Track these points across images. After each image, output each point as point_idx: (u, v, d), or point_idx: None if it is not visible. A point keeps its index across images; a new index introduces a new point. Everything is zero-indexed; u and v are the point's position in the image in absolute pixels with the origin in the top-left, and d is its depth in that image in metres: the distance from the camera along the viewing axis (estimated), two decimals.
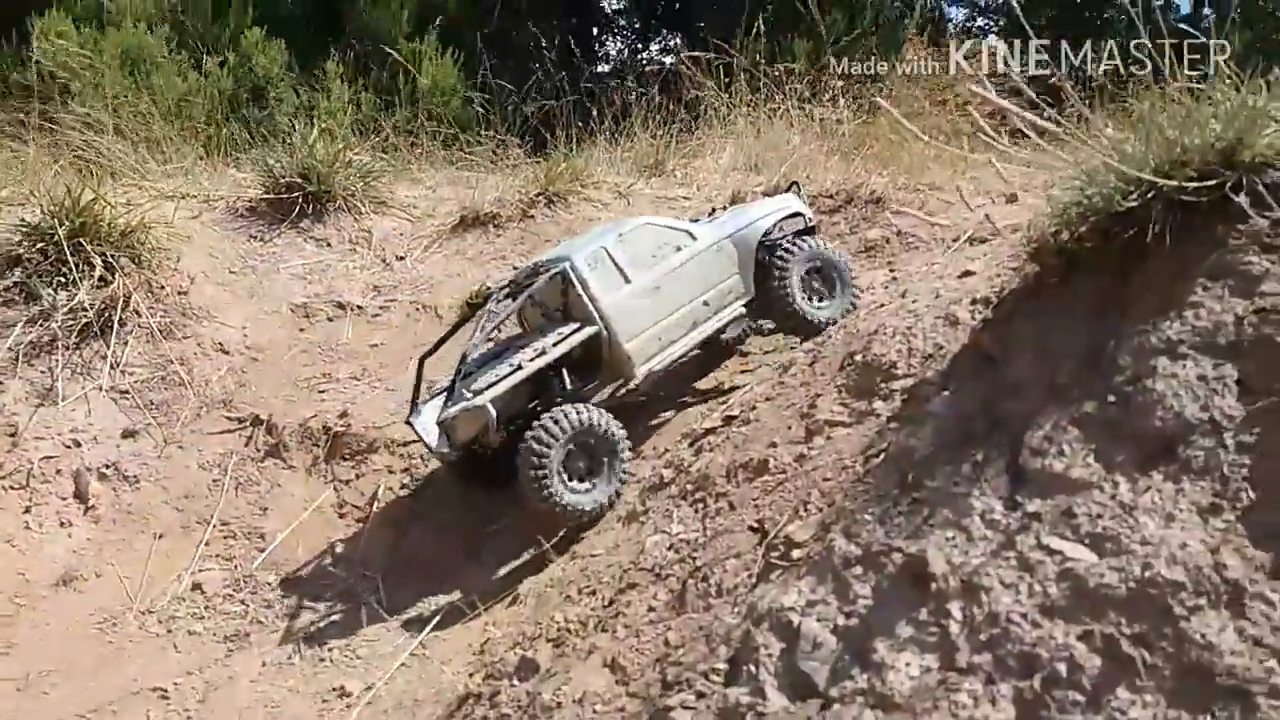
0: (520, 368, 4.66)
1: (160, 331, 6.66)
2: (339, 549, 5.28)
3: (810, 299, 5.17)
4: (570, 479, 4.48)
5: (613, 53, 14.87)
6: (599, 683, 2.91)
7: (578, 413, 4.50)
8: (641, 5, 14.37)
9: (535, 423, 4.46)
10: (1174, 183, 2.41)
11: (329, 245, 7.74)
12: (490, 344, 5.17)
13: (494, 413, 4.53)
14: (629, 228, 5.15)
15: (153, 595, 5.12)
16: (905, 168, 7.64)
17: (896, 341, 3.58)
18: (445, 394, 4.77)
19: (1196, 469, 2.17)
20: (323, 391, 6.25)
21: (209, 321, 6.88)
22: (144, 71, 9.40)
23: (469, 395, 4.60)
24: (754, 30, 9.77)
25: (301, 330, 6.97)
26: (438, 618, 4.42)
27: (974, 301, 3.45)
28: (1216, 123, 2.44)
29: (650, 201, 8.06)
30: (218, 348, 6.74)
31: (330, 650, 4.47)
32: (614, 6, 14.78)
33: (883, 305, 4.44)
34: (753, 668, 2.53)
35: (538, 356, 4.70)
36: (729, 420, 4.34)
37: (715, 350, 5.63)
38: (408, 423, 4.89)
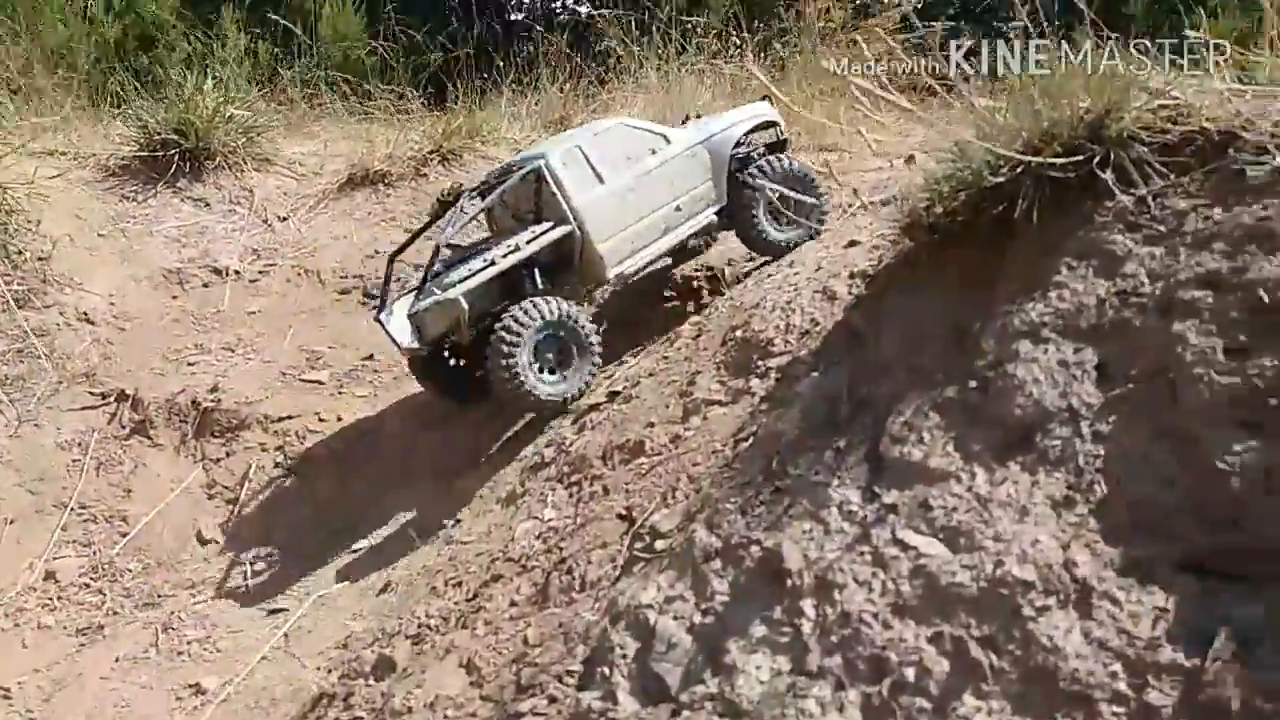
0: (493, 263, 4.59)
1: (16, 301, 6.16)
2: (206, 533, 4.98)
3: (777, 221, 5.06)
4: (540, 370, 4.46)
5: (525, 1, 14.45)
6: (454, 685, 2.74)
7: (549, 304, 4.47)
8: None
9: (505, 314, 4.41)
10: (1040, 158, 2.29)
11: (207, 206, 7.28)
12: (459, 245, 5.13)
13: (466, 306, 4.47)
14: (604, 128, 5.11)
15: (0, 585, 4.75)
16: (808, 128, 7.48)
17: (775, 317, 3.45)
18: (416, 290, 4.69)
19: (1053, 459, 2.08)
20: (193, 364, 5.86)
21: (72, 289, 6.41)
22: (21, 15, 8.64)
23: (439, 292, 4.54)
24: None
25: (174, 298, 6.54)
26: (304, 607, 4.17)
27: (852, 275, 3.33)
28: (1085, 94, 2.32)
29: None
30: (81, 317, 6.29)
31: (190, 643, 4.20)
32: None
33: (770, 275, 4.30)
34: (607, 670, 2.40)
35: (510, 253, 4.63)
36: (612, 396, 4.17)
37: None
38: (377, 320, 4.74)
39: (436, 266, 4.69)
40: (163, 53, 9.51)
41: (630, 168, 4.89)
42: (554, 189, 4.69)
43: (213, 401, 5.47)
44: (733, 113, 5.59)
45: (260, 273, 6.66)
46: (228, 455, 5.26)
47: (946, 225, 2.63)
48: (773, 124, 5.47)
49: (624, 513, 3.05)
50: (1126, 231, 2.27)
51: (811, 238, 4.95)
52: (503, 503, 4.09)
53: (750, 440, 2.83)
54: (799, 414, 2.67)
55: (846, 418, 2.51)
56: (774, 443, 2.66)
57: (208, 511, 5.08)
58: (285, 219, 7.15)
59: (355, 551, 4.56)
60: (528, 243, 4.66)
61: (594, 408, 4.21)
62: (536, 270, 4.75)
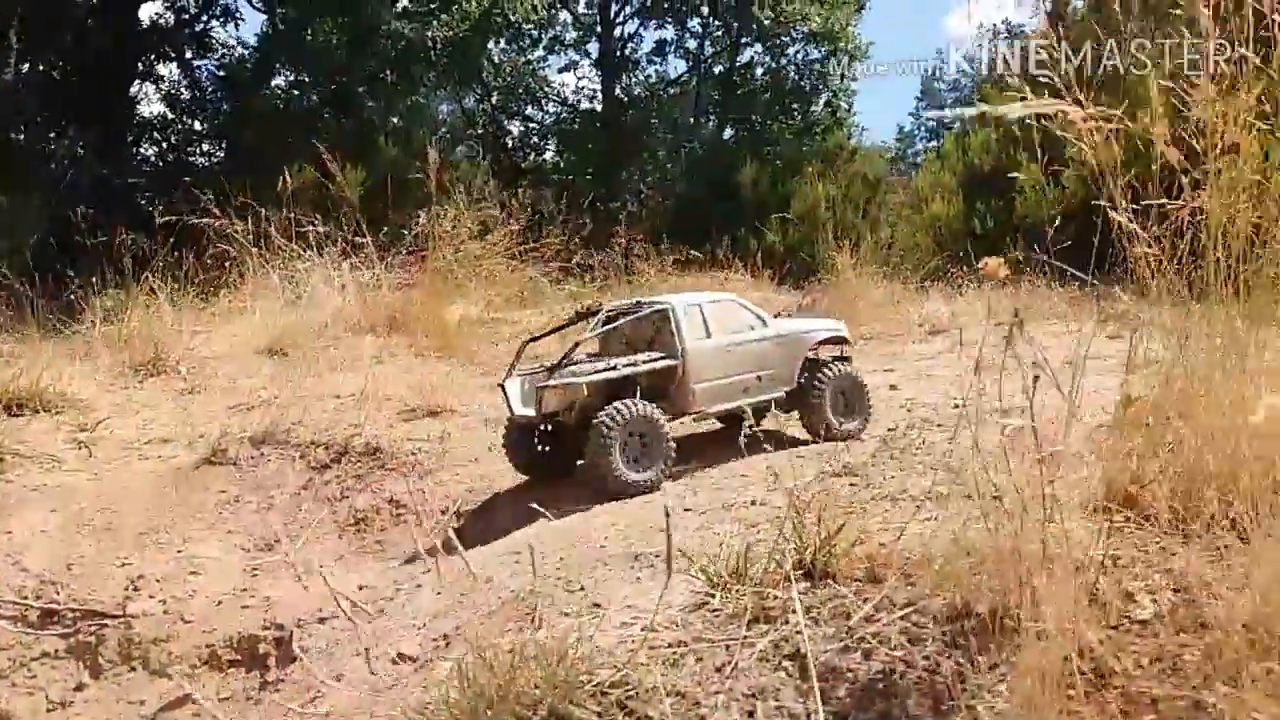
0: (615, 368, 5.42)
1: None
2: None
3: (837, 413, 6.06)
4: (626, 461, 5.19)
5: None
6: None
7: (640, 407, 5.29)
8: None
9: (605, 410, 5.20)
10: None
11: None
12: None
13: (586, 393, 5.29)
14: (720, 298, 6.26)
15: None
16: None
17: None
18: (546, 371, 5.53)
19: None
20: None
21: None
22: None
23: (568, 376, 5.38)
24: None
25: None
26: None
27: None
28: None
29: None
30: None
31: None
32: None
33: None
34: None
35: (630, 365, 5.47)
36: None
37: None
38: (500, 385, 5.61)
39: (570, 356, 5.58)
40: None
41: (733, 334, 5.85)
42: (674, 328, 5.61)
43: None
44: (816, 320, 6.92)
45: None
46: None
47: None
48: (844, 339, 6.54)
49: None
50: None
51: (862, 428, 6.03)
52: None
53: None
54: None
55: None
56: None
57: None
58: None
59: None
60: (644, 361, 5.54)
61: None
62: (639, 388, 5.52)
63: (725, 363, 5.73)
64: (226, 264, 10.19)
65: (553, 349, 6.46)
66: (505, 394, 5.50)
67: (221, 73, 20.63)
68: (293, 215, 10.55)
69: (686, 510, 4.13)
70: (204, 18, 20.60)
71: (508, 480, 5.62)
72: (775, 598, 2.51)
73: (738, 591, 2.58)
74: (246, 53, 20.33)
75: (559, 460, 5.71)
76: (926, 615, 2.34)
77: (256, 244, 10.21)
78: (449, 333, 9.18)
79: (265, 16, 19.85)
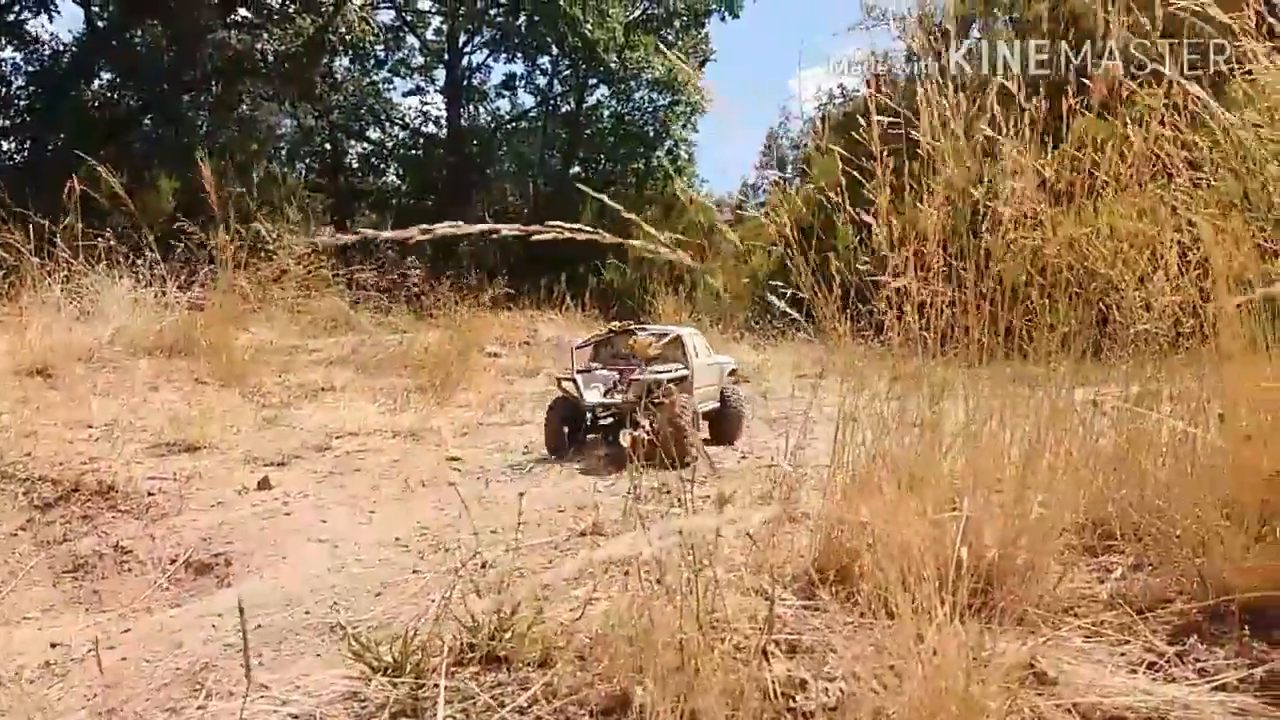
0: (669, 372, 6.82)
1: None
2: None
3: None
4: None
5: None
6: None
7: (686, 397, 6.68)
8: None
9: (678, 397, 6.42)
10: None
11: None
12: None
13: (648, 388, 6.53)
14: (693, 331, 8.26)
15: None
16: None
17: None
18: (584, 373, 7.28)
19: None
20: None
21: None
22: None
23: (650, 373, 6.72)
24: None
25: None
26: None
27: None
28: None
29: None
30: None
31: None
32: None
33: None
34: None
35: (665, 372, 6.79)
36: None
37: None
38: (571, 379, 7.01)
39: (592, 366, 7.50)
40: None
41: (704, 358, 7.72)
42: (683, 350, 7.36)
43: None
44: (724, 356, 8.77)
45: None
46: None
47: None
48: (735, 370, 8.78)
49: None
50: None
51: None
52: None
53: None
54: None
55: None
56: None
57: None
58: None
59: None
60: (678, 369, 7.07)
61: None
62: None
63: (704, 377, 7.48)
64: (4, 271, 9.16)
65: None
66: (578, 386, 6.95)
67: (30, 68, 18.95)
68: (80, 225, 9.63)
69: (415, 572, 3.82)
70: (15, 7, 18.92)
71: (251, 527, 5.14)
72: (435, 686, 2.27)
73: (396, 679, 2.31)
74: (61, 49, 18.77)
75: (579, 439, 7.13)
76: (585, 707, 2.15)
77: (39, 253, 9.23)
78: (234, 359, 8.52)
79: (83, 13, 18.42)
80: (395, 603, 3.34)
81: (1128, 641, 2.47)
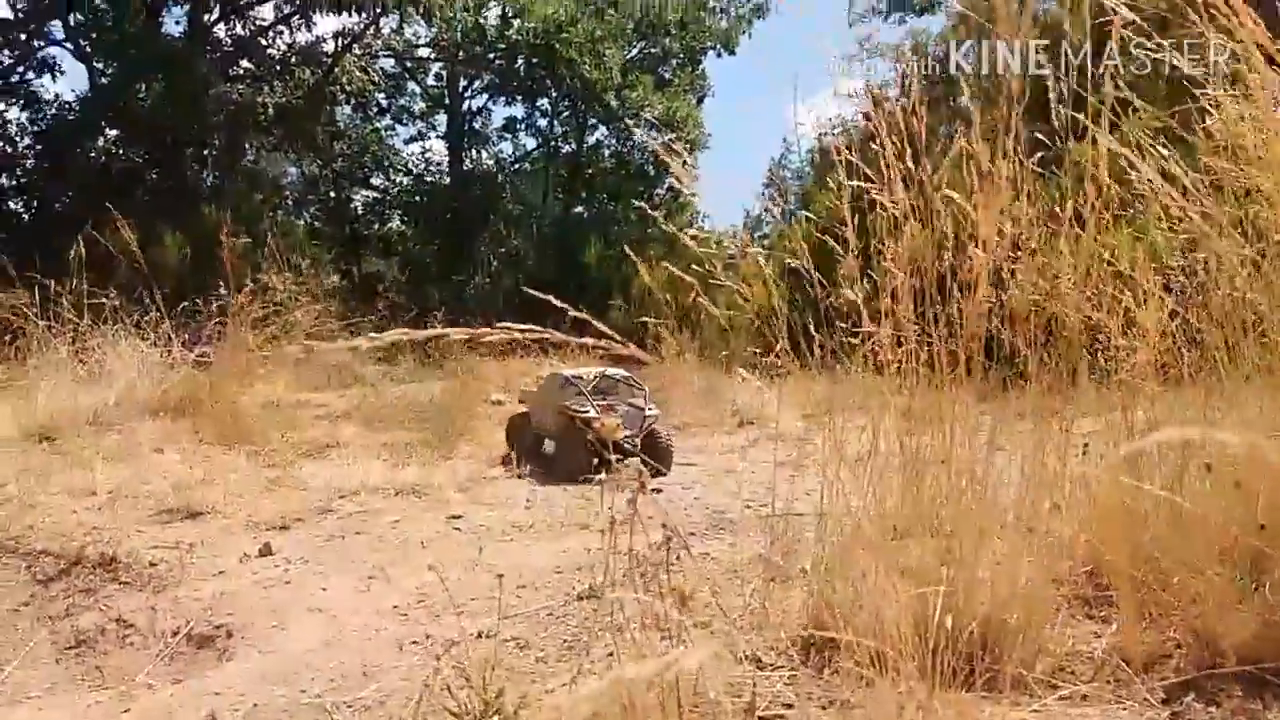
0: (650, 409, 7.57)
1: None
2: None
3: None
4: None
5: None
6: None
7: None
8: None
9: (663, 431, 7.68)
10: None
11: None
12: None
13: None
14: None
15: None
16: None
17: None
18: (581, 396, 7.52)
19: None
20: None
21: None
22: None
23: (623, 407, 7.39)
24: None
25: None
26: None
27: None
28: None
29: None
30: None
31: None
32: None
33: None
34: None
35: (649, 410, 7.54)
36: None
37: None
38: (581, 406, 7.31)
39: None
40: None
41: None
42: (636, 389, 7.74)
43: None
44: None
45: None
46: None
47: None
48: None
49: None
50: None
51: None
52: None
53: None
54: None
55: None
56: None
57: None
58: None
59: None
60: (650, 410, 7.54)
61: None
62: None
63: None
64: (11, 334, 9.24)
65: None
66: (594, 411, 7.36)
67: (36, 127, 19.33)
68: (84, 285, 9.72)
69: (414, 642, 3.80)
70: (20, 69, 19.34)
71: (252, 597, 5.13)
72: None
73: None
74: (66, 108, 19.15)
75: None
76: None
77: (44, 315, 9.32)
78: (240, 418, 8.55)
79: (87, 72, 18.80)
80: (387, 683, 3.32)
81: (1122, 704, 2.43)
